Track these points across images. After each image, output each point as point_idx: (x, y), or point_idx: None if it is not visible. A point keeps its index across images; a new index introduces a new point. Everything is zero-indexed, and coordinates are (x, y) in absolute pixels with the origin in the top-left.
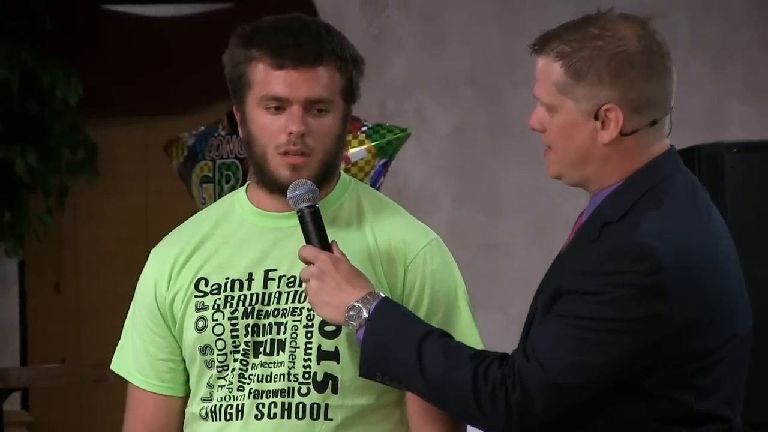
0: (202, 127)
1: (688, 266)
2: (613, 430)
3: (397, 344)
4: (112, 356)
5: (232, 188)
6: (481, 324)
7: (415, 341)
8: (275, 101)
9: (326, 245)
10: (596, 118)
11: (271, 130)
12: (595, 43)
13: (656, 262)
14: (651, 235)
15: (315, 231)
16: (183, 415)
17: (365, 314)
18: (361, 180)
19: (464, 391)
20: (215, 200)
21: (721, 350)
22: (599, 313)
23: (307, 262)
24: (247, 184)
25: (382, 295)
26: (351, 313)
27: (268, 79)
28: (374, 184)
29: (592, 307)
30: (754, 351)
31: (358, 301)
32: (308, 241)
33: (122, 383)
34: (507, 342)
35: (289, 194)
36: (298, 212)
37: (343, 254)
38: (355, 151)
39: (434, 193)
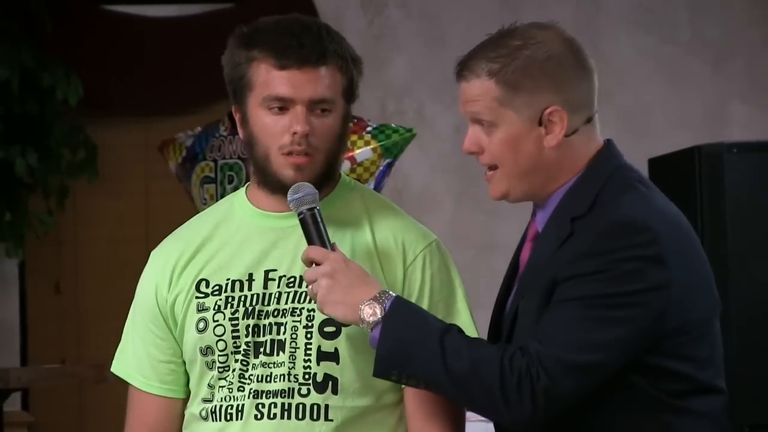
0: (199, 128)
1: (677, 237)
2: (628, 411)
3: (417, 340)
4: (113, 357)
5: (235, 189)
6: (480, 324)
7: (436, 336)
8: (278, 101)
9: (328, 247)
10: (540, 124)
11: (274, 131)
12: (523, 53)
13: (653, 233)
14: (639, 210)
15: (317, 233)
16: (183, 416)
17: (380, 312)
18: (366, 180)
19: (492, 383)
20: (217, 200)
21: (711, 320)
22: (609, 289)
23: (311, 263)
24: (246, 185)
25: (395, 294)
26: (366, 311)
27: (270, 79)
28: (378, 184)
29: (600, 285)
30: (751, 351)
31: (372, 299)
32: (311, 243)
33: (123, 384)
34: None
35: (289, 197)
36: (299, 215)
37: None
38: (361, 151)
39: (435, 194)
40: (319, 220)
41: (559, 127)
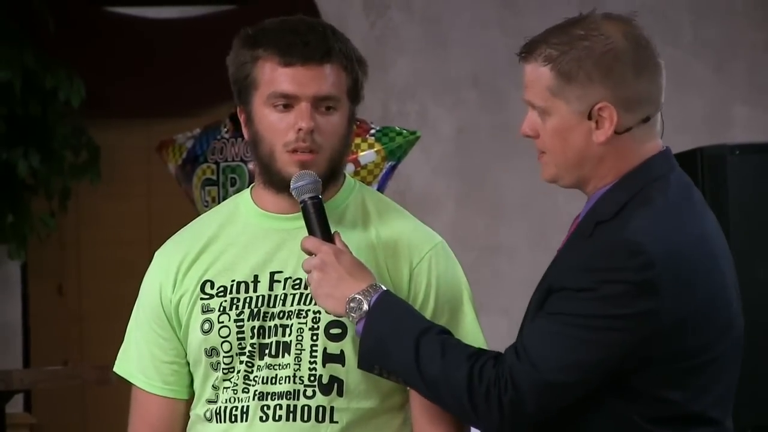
0: (198, 130)
1: (678, 263)
2: (603, 430)
3: (395, 338)
4: (115, 358)
5: (237, 191)
6: (483, 326)
7: (413, 337)
8: (283, 98)
9: (329, 237)
10: (590, 118)
11: (279, 128)
12: (582, 44)
13: (648, 258)
14: (642, 232)
15: (318, 222)
16: (187, 417)
17: (365, 306)
18: (370, 183)
19: (460, 390)
20: (219, 203)
21: (714, 349)
22: (591, 309)
23: (310, 253)
24: (251, 186)
25: (384, 288)
26: (352, 305)
27: (275, 76)
28: (381, 187)
29: (584, 304)
30: (755, 353)
31: (359, 293)
32: (311, 232)
33: (125, 385)
34: (509, 344)
35: (292, 185)
36: (300, 203)
37: (346, 246)
38: (365, 154)
39: (437, 196)
40: (321, 209)
41: (609, 123)
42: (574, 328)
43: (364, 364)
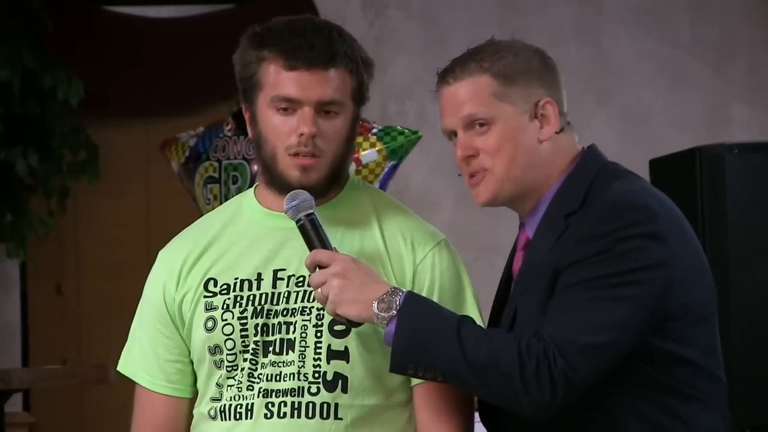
0: (202, 128)
1: (673, 218)
2: (630, 392)
3: (434, 332)
4: (114, 357)
5: (239, 189)
6: (484, 320)
7: (453, 327)
8: (286, 102)
9: (332, 249)
10: (535, 116)
11: (281, 131)
12: (510, 52)
13: (650, 211)
14: (634, 191)
15: (318, 238)
16: (191, 416)
17: (394, 307)
18: (371, 182)
19: (511, 369)
20: (221, 201)
21: (710, 304)
22: (612, 268)
23: (318, 267)
24: (255, 185)
25: (406, 289)
26: (381, 306)
27: (279, 79)
28: (382, 186)
29: (604, 266)
30: (754, 352)
31: (385, 294)
32: (312, 248)
33: (123, 384)
34: None
35: (286, 206)
36: (298, 222)
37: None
38: (366, 153)
39: (435, 195)
40: (318, 225)
41: (553, 118)
42: (599, 290)
43: (397, 363)
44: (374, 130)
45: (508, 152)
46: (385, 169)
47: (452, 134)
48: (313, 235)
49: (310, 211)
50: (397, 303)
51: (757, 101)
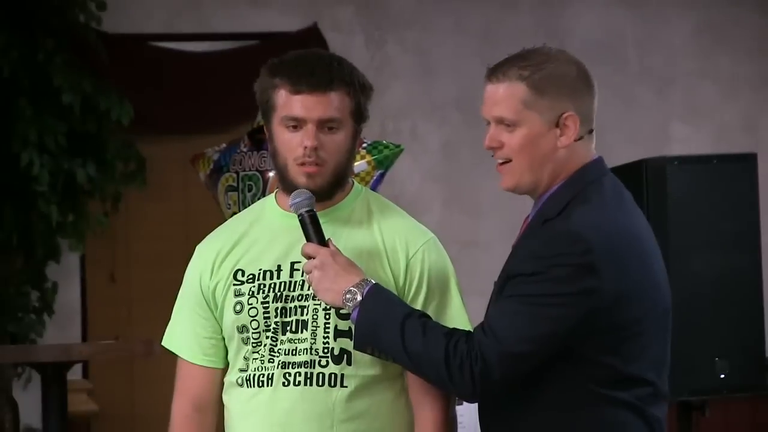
0: (224, 144)
1: (613, 249)
2: (555, 393)
3: (384, 323)
4: (159, 334)
5: (254, 196)
6: (468, 307)
7: (398, 321)
8: (293, 121)
9: (324, 242)
10: (557, 125)
11: (291, 145)
12: (549, 65)
13: (587, 244)
14: (582, 224)
15: (314, 231)
16: (222, 384)
17: (359, 297)
18: None
19: (438, 363)
20: (239, 206)
21: (644, 321)
22: (542, 290)
23: (309, 257)
24: (275, 191)
25: (373, 282)
26: (347, 296)
27: (288, 102)
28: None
29: (537, 286)
30: (689, 330)
31: (353, 287)
32: (308, 239)
33: (167, 357)
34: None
35: (290, 201)
36: (299, 216)
37: (338, 249)
38: (358, 164)
39: (426, 199)
40: (315, 220)
41: (573, 130)
42: (529, 306)
43: (358, 344)
44: (364, 145)
45: (528, 153)
46: (374, 177)
47: (487, 121)
48: (310, 228)
49: (309, 208)
50: (362, 294)
51: (693, 121)
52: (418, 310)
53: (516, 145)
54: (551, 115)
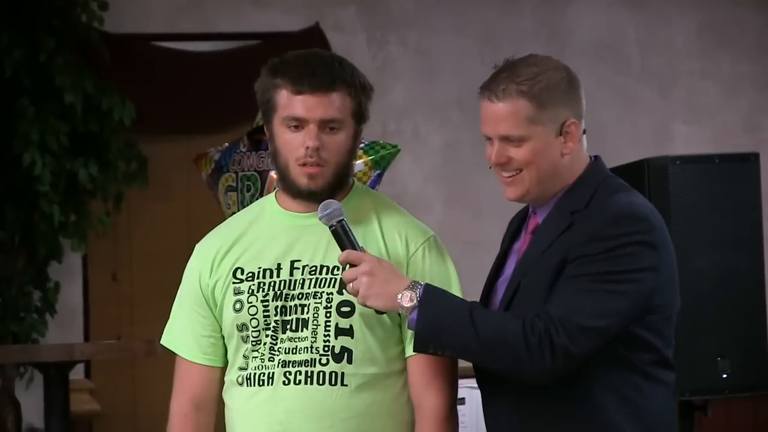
0: (226, 144)
1: (663, 231)
2: (612, 375)
3: (450, 316)
4: (161, 334)
5: (252, 196)
6: None
7: (466, 312)
8: (295, 121)
9: (359, 250)
10: (560, 134)
11: (292, 145)
12: (543, 76)
13: (651, 223)
14: (639, 204)
15: (349, 240)
16: (222, 382)
17: (416, 298)
18: None
19: (517, 343)
20: (238, 206)
21: (675, 306)
22: (612, 267)
23: (351, 264)
24: (275, 190)
25: (423, 283)
26: (404, 299)
27: (289, 102)
28: None
29: (606, 264)
30: (692, 328)
31: (406, 289)
32: (344, 248)
33: (169, 356)
34: None
35: (320, 214)
36: (331, 227)
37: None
38: (355, 164)
39: (427, 198)
40: (348, 229)
41: (575, 135)
42: (601, 283)
43: (420, 345)
44: (362, 145)
45: (537, 165)
46: (372, 178)
47: (488, 138)
48: (344, 238)
49: (341, 218)
50: (418, 295)
51: (695, 121)
52: (474, 301)
53: (524, 159)
54: (554, 125)
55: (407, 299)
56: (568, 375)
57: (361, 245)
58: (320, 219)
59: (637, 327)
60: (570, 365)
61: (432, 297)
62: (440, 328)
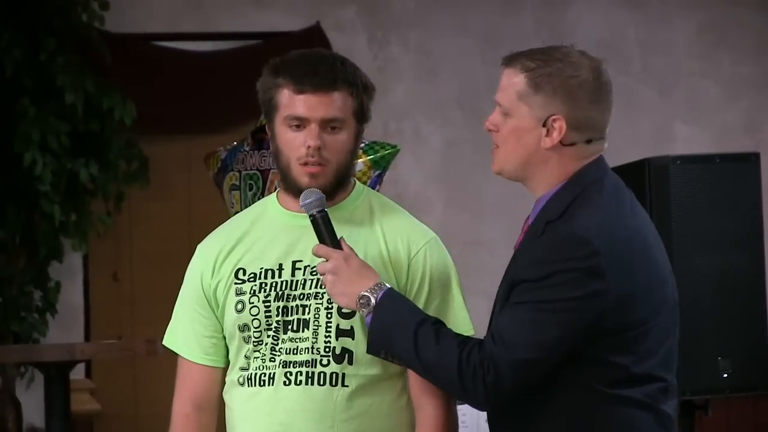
0: (235, 142)
1: (618, 251)
2: (566, 398)
3: (398, 329)
4: (162, 333)
5: (254, 195)
6: (468, 306)
7: (412, 327)
8: (296, 120)
9: (337, 243)
10: (544, 125)
11: (294, 145)
12: (556, 65)
13: (592, 248)
14: (586, 227)
15: (326, 231)
16: (223, 383)
17: (373, 302)
18: None
19: (452, 372)
20: (242, 205)
21: (656, 317)
22: (550, 295)
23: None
24: (276, 190)
25: (388, 286)
26: (362, 301)
27: (291, 102)
28: None
29: (543, 291)
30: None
31: (367, 291)
32: (321, 240)
33: (170, 356)
34: (487, 319)
35: (301, 202)
36: (310, 217)
37: (351, 248)
38: (355, 164)
39: (428, 198)
40: (327, 220)
41: (557, 133)
42: (537, 312)
43: (372, 349)
44: (361, 145)
45: (512, 144)
46: (372, 178)
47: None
48: (322, 229)
49: (321, 208)
50: (376, 299)
51: (695, 121)
52: (431, 316)
53: (504, 133)
54: (541, 113)
55: (365, 303)
56: (526, 396)
57: (339, 237)
58: (301, 206)
59: (592, 349)
60: (503, 397)
61: (389, 303)
62: (388, 337)
